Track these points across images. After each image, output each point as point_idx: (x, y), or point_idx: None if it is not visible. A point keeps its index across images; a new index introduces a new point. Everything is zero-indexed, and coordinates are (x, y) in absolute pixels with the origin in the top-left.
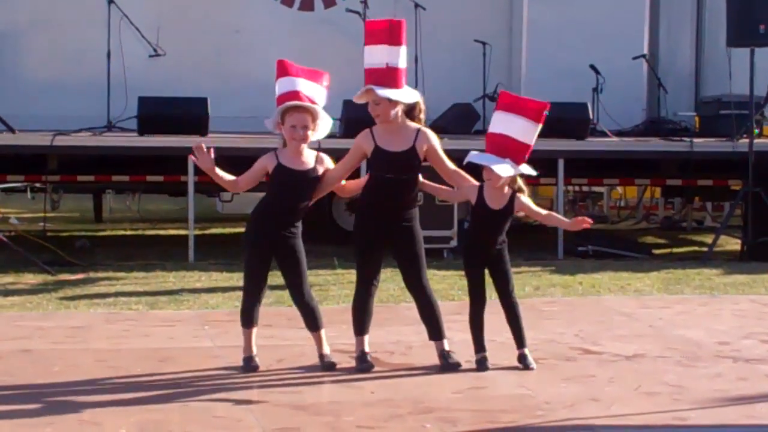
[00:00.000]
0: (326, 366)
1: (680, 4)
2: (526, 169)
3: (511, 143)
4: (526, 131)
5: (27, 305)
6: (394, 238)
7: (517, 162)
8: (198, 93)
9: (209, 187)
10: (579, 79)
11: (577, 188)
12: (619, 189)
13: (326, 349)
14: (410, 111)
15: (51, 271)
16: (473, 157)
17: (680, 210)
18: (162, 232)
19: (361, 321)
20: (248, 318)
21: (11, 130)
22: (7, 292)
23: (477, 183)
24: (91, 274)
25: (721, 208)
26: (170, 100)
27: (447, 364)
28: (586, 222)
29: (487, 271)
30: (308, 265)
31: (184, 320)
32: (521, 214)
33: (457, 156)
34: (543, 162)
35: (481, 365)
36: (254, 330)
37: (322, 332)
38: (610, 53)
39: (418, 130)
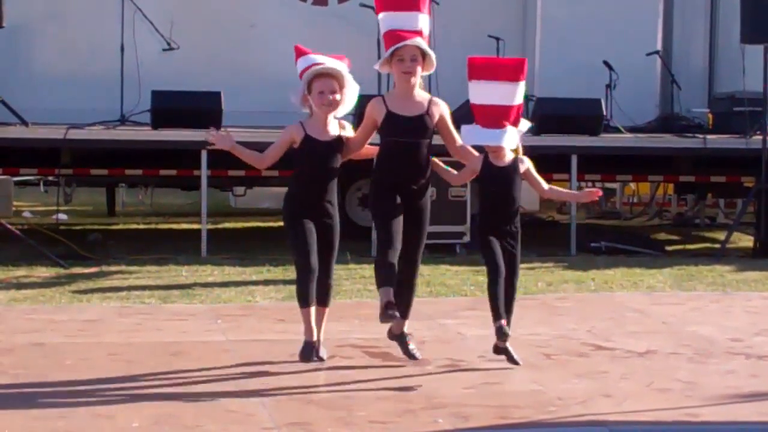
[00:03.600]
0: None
1: (694, 0)
2: (525, 126)
3: (502, 111)
4: (510, 94)
5: (40, 298)
6: (406, 209)
7: (515, 126)
8: (212, 87)
9: (222, 181)
10: (592, 75)
11: (590, 184)
12: (632, 185)
13: (321, 335)
14: None
15: (64, 264)
16: (473, 137)
17: (693, 207)
18: (175, 226)
19: (383, 274)
20: (305, 297)
21: (24, 123)
22: (20, 286)
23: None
24: (104, 268)
25: (733, 204)
26: (184, 94)
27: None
28: (596, 192)
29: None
30: None
31: (196, 314)
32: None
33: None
34: (556, 158)
35: (500, 333)
36: (313, 309)
37: (327, 311)
38: (624, 49)
39: (431, 98)
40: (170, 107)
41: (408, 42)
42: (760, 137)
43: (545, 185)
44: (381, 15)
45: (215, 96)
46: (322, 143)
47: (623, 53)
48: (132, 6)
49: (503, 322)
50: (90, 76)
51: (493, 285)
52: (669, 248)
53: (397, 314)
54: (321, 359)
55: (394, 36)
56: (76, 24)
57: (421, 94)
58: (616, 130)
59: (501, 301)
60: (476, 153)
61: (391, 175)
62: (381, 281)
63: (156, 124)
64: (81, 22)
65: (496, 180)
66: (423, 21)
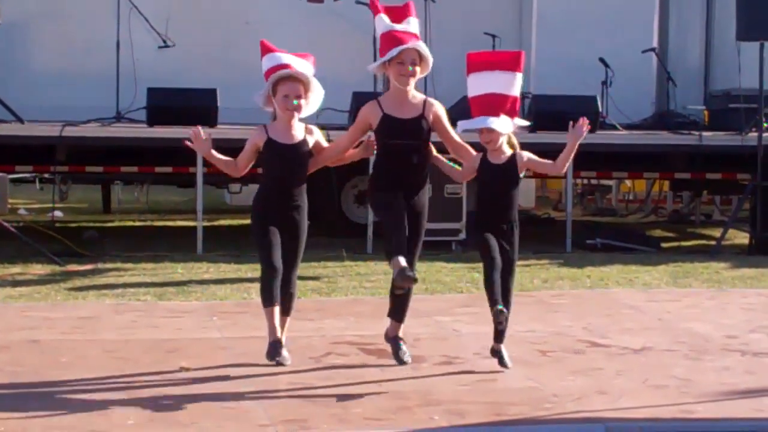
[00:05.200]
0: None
1: None
2: (521, 122)
3: (497, 99)
4: (508, 83)
5: (35, 296)
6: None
7: (509, 116)
8: (207, 84)
9: (218, 178)
10: (588, 72)
11: (586, 181)
12: (628, 182)
13: (284, 338)
14: None
15: (59, 261)
16: (466, 123)
17: (689, 203)
18: (170, 224)
19: (395, 241)
20: (269, 295)
21: (20, 120)
22: (16, 283)
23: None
24: (100, 265)
25: (729, 201)
26: (179, 91)
27: (396, 356)
28: (582, 122)
29: None
30: (317, 256)
31: (192, 311)
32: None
33: None
34: (552, 154)
35: (498, 314)
36: (276, 309)
37: (288, 319)
38: (620, 46)
39: (425, 99)
40: (166, 104)
41: (409, 45)
42: (756, 134)
43: (548, 162)
44: (377, 17)
45: (211, 93)
46: (285, 146)
47: (619, 50)
48: (128, 3)
49: (498, 307)
50: (86, 73)
51: (488, 279)
52: (665, 245)
53: (416, 275)
54: (282, 364)
55: (393, 38)
56: (71, 21)
57: (416, 96)
58: (612, 127)
59: (497, 288)
60: (473, 151)
61: (390, 177)
62: (394, 249)
63: (151, 122)
64: (77, 20)
65: (494, 178)
66: (414, 24)
